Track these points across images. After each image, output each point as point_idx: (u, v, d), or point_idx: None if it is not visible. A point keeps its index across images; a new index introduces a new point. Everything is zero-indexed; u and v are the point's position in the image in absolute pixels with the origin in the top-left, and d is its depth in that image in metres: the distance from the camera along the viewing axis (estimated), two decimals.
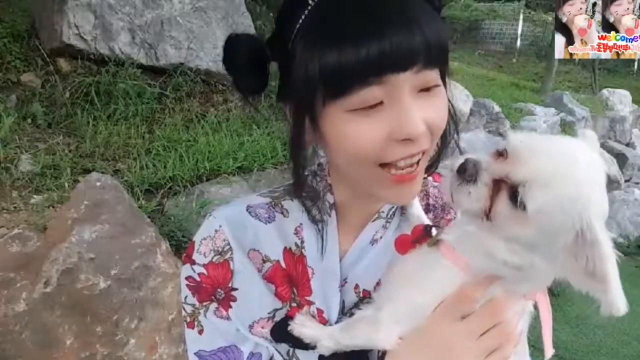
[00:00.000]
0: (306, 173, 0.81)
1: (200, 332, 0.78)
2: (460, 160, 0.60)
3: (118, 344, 2.17)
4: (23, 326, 2.06)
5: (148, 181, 3.06)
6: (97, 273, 2.16)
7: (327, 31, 0.63)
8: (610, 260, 0.54)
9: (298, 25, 0.66)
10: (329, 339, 0.72)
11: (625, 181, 7.53)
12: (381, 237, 0.81)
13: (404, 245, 0.73)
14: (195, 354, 0.78)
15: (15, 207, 2.64)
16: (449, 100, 0.72)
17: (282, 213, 0.82)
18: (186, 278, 0.79)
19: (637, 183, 7.72)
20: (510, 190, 0.56)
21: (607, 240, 0.54)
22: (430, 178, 0.87)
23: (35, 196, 2.75)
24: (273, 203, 0.83)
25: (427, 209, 0.86)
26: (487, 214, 0.58)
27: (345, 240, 0.81)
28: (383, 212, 0.81)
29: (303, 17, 0.66)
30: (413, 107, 0.63)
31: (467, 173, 0.58)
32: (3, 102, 3.39)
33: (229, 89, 4.33)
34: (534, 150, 0.56)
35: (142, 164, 3.22)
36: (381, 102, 0.64)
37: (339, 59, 0.61)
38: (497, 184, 0.57)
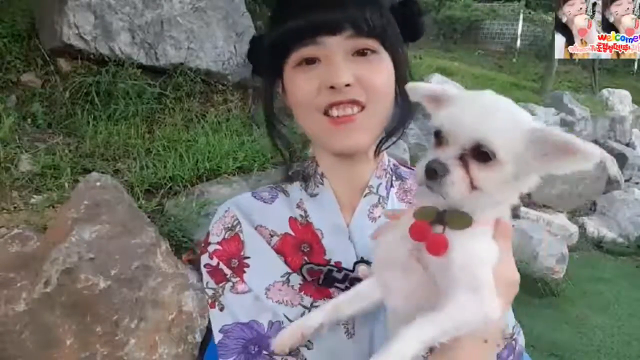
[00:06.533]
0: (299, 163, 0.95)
1: (222, 309, 0.84)
2: (423, 167, 0.66)
3: (118, 344, 2.17)
4: (23, 326, 2.06)
5: (148, 181, 3.06)
6: (97, 273, 2.16)
7: (281, 8, 0.87)
8: (558, 130, 0.63)
9: (271, 14, 0.91)
10: (416, 342, 0.63)
11: (625, 181, 7.53)
12: (379, 216, 0.89)
13: (421, 231, 0.70)
14: (219, 330, 0.84)
15: (15, 207, 2.64)
16: (410, 77, 0.88)
17: (283, 193, 0.94)
18: (204, 266, 0.88)
19: (637, 183, 7.71)
20: (473, 155, 0.64)
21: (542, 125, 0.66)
22: (403, 168, 1.01)
23: (35, 196, 2.75)
24: (275, 187, 0.96)
25: (405, 194, 0.96)
26: (472, 185, 0.65)
27: (344, 216, 0.90)
28: (372, 186, 0.91)
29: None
30: (341, 63, 0.80)
31: (438, 173, 0.64)
32: (3, 102, 3.39)
33: (229, 89, 4.33)
34: (455, 116, 0.66)
35: (142, 164, 3.22)
36: (319, 61, 0.82)
37: (286, 26, 0.82)
38: (461, 159, 0.65)
